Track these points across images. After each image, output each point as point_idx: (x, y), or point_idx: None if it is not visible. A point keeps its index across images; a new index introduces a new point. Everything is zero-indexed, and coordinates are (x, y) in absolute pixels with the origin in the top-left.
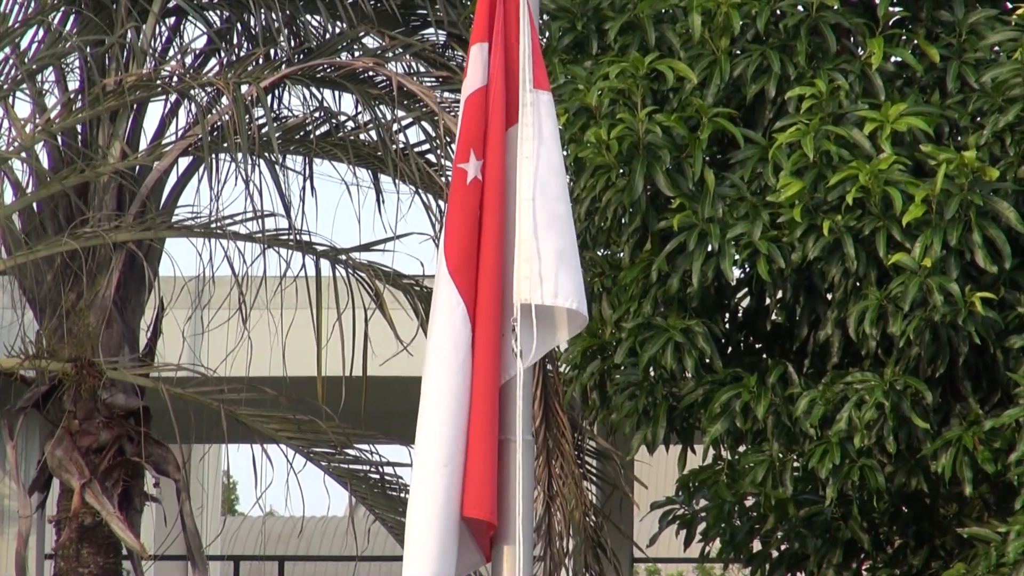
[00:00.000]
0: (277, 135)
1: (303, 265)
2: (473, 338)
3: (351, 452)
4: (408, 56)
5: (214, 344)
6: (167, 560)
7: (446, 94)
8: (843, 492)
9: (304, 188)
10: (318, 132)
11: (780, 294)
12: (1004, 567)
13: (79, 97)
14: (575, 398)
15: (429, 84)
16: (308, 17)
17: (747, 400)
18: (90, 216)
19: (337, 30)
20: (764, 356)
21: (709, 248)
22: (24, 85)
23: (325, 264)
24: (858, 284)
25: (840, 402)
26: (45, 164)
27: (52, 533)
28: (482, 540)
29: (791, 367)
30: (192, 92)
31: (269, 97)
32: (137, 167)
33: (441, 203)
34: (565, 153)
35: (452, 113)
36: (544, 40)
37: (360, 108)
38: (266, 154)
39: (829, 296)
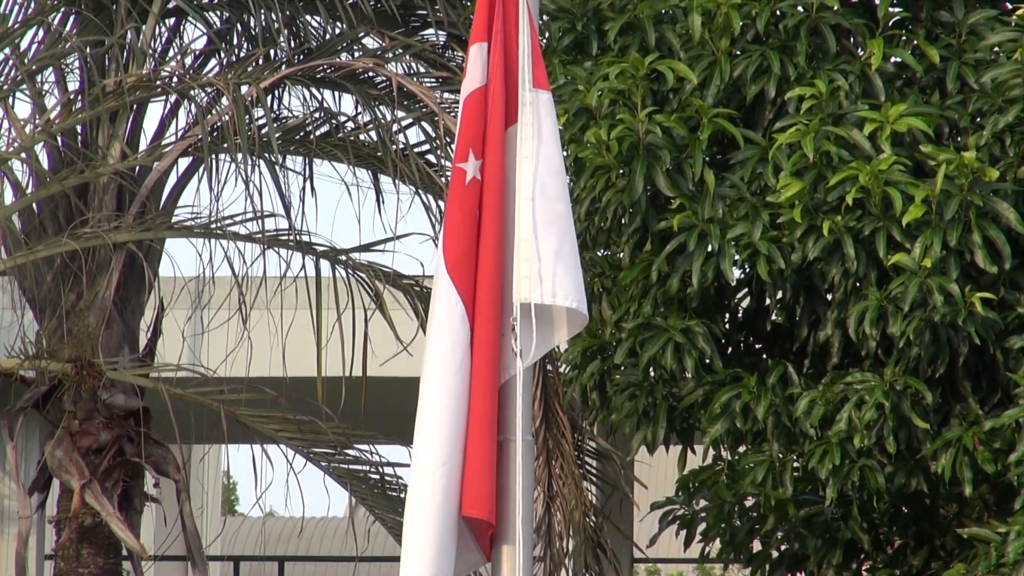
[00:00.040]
0: (277, 135)
1: (303, 265)
2: (472, 337)
3: (351, 452)
4: (408, 57)
5: (214, 344)
6: (167, 560)
7: (446, 95)
8: (843, 492)
9: (304, 188)
10: (318, 132)
11: (780, 294)
12: (1004, 567)
13: (79, 98)
14: (575, 398)
15: (429, 85)
16: (308, 18)
17: (747, 400)
18: (90, 216)
19: (337, 31)
20: (764, 356)
21: (709, 248)
22: (24, 86)
23: (325, 264)
24: (858, 284)
25: (840, 402)
26: (45, 165)
27: (52, 533)
28: (482, 540)
29: (791, 367)
30: (192, 93)
31: (269, 98)
32: (137, 167)
33: (441, 204)
34: (565, 153)
35: (452, 114)
36: (544, 41)
37: (360, 109)
38: (266, 154)
39: (829, 296)
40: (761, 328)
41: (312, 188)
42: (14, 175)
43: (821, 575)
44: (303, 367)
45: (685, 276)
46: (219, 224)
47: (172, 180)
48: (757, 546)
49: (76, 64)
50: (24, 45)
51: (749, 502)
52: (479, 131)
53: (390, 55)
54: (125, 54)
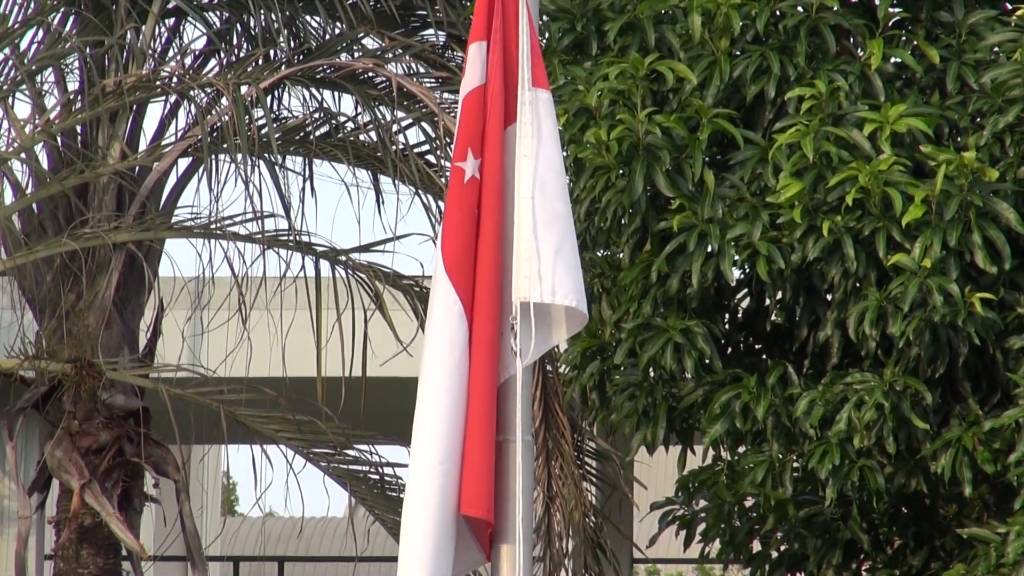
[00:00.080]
0: (277, 136)
1: (303, 266)
2: (470, 337)
3: (351, 453)
4: (408, 57)
5: (214, 345)
6: (167, 561)
7: (446, 95)
8: (843, 493)
9: (304, 189)
10: (318, 133)
11: (780, 295)
12: (1004, 568)
13: (79, 98)
14: (575, 399)
15: (429, 85)
16: (308, 18)
17: (747, 401)
18: (90, 217)
19: (337, 31)
20: (764, 357)
21: (709, 249)
22: (24, 86)
23: (325, 265)
24: (858, 285)
25: (840, 403)
26: (45, 165)
27: (52, 534)
28: (482, 539)
29: (791, 368)
30: (192, 93)
31: (269, 98)
32: (137, 168)
33: (441, 204)
34: (565, 154)
35: (452, 114)
36: (544, 41)
37: (360, 109)
38: (266, 155)
39: (829, 297)
40: (761, 328)
41: (312, 188)
42: (14, 175)
43: (821, 575)
44: (303, 367)
45: (685, 276)
46: (219, 224)
47: (172, 180)
48: (757, 546)
49: (76, 64)
50: (24, 45)
51: (749, 502)
52: (478, 130)
53: (390, 55)
54: (125, 54)
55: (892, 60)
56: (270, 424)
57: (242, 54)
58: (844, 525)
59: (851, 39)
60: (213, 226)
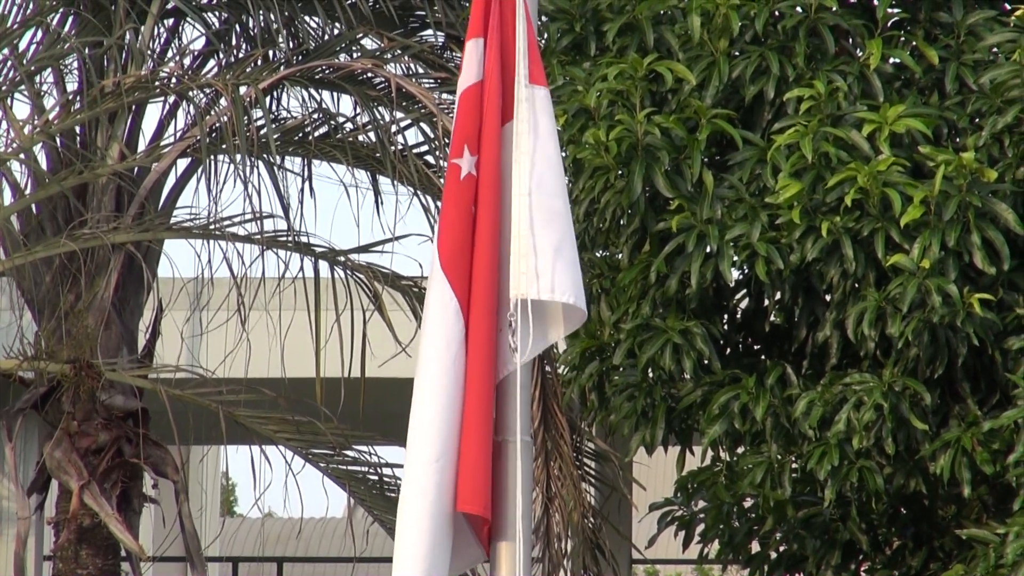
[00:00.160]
0: (276, 136)
1: (302, 266)
2: (466, 334)
3: (350, 453)
4: (407, 57)
5: (213, 345)
6: (166, 561)
7: (445, 95)
8: (842, 493)
9: (303, 189)
10: (317, 133)
11: (779, 295)
12: (1003, 568)
13: (78, 98)
14: (573, 399)
15: (428, 85)
16: (306, 19)
17: (746, 401)
18: (89, 217)
19: (336, 31)
20: (763, 357)
21: (708, 249)
22: (23, 86)
23: (324, 265)
24: (857, 285)
25: (839, 403)
26: (44, 165)
27: (51, 534)
28: (481, 536)
29: (790, 368)
30: (191, 93)
31: (268, 98)
32: (136, 168)
33: (440, 204)
34: (564, 154)
35: (451, 115)
36: (543, 41)
37: (359, 109)
38: (264, 155)
39: (828, 297)
40: (760, 329)
41: (311, 189)
42: (13, 176)
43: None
44: (302, 368)
45: (684, 277)
46: (218, 225)
47: (171, 181)
48: (756, 547)
49: (75, 65)
50: (23, 46)
51: (748, 503)
52: (475, 127)
53: (389, 56)
54: (124, 55)
55: (891, 61)
56: (269, 425)
57: (241, 55)
58: (843, 526)
59: (850, 40)
60: (212, 227)
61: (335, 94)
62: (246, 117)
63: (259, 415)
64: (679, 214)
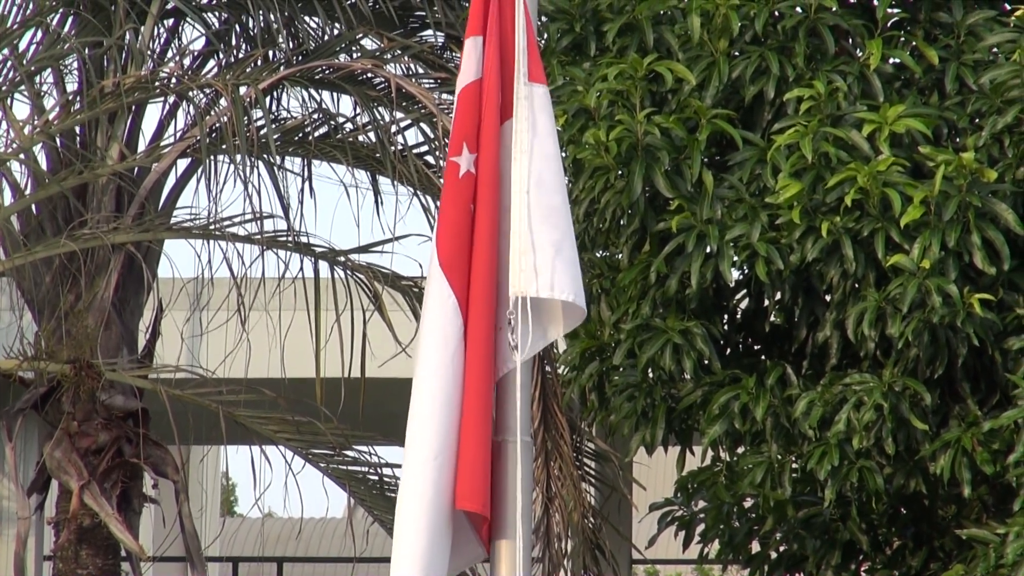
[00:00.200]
0: (275, 137)
1: (301, 267)
2: (465, 331)
3: (350, 453)
4: (407, 58)
5: (213, 345)
6: (166, 561)
7: (445, 95)
8: (842, 493)
9: (303, 190)
10: (317, 134)
11: (779, 295)
12: (1003, 568)
13: (77, 98)
14: (574, 399)
15: (428, 86)
16: (306, 19)
17: (746, 401)
18: (89, 218)
19: (335, 32)
20: (763, 357)
21: (708, 249)
22: (23, 86)
23: (324, 266)
24: (857, 285)
25: (839, 403)
26: (44, 166)
27: (51, 534)
28: (482, 533)
29: (790, 368)
30: (190, 94)
31: (268, 99)
32: (136, 168)
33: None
34: (564, 154)
35: (450, 115)
36: (543, 42)
37: (359, 110)
38: (264, 156)
39: (828, 297)
40: (760, 329)
41: (311, 189)
42: (13, 176)
43: None
44: (302, 368)
45: (684, 277)
46: (218, 225)
47: (171, 181)
48: (756, 547)
49: (75, 65)
50: (23, 46)
51: (748, 503)
52: (473, 125)
53: (389, 56)
54: (124, 55)
55: (891, 61)
56: (269, 425)
57: (241, 55)
58: (843, 526)
59: (850, 40)
60: (212, 227)
61: (335, 94)
62: (246, 117)
63: (259, 415)
64: (679, 214)
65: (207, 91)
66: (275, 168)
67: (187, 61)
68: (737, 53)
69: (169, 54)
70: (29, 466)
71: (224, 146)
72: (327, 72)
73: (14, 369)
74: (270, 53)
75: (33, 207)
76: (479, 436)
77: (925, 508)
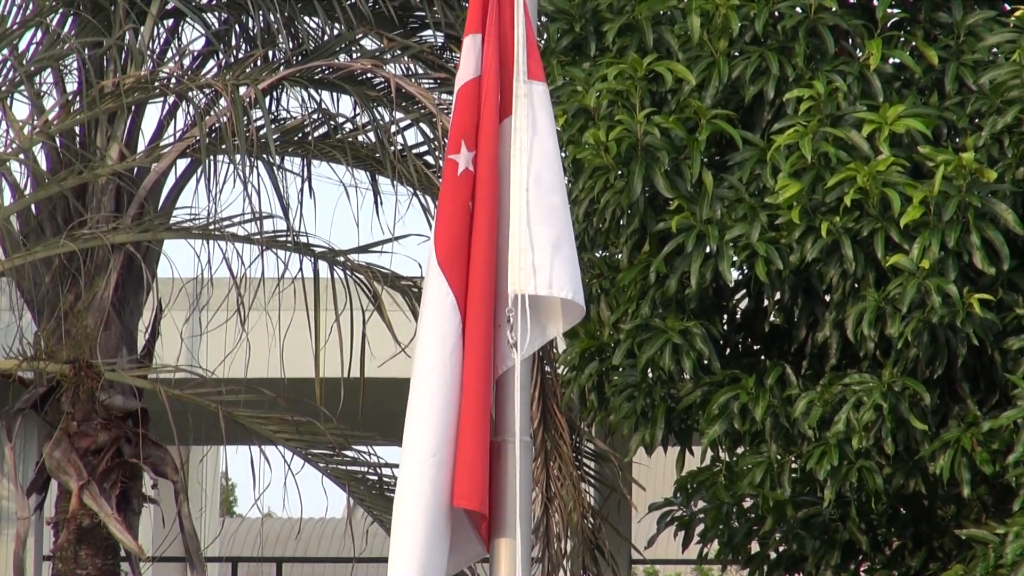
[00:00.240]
0: (275, 137)
1: (301, 267)
2: (463, 329)
3: (349, 454)
4: (406, 58)
5: (212, 346)
6: (165, 562)
7: (444, 96)
8: (841, 493)
9: (302, 190)
10: (316, 134)
11: (778, 295)
12: (1002, 568)
13: (77, 99)
14: (573, 399)
15: (427, 86)
16: (306, 19)
17: (745, 402)
18: (88, 218)
19: (335, 32)
20: (762, 358)
21: (707, 249)
22: (22, 87)
23: (323, 266)
24: (856, 285)
25: (838, 403)
26: (43, 166)
27: (50, 535)
28: (481, 531)
29: (789, 369)
30: (190, 94)
31: (267, 99)
32: (135, 169)
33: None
34: (563, 154)
35: (450, 114)
36: (542, 42)
37: (358, 110)
38: (264, 156)
39: (827, 297)
40: (759, 329)
41: (310, 189)
42: (12, 176)
43: None
44: (301, 368)
45: (683, 277)
46: (217, 225)
47: (170, 181)
48: (755, 547)
49: (74, 65)
50: (22, 46)
51: (747, 503)
52: (472, 123)
53: (388, 56)
54: (123, 55)
55: (891, 61)
56: (269, 425)
57: (240, 55)
58: (842, 526)
59: (850, 40)
60: (211, 227)
61: (335, 94)
62: (245, 117)
63: (259, 415)
64: (679, 214)
65: (207, 91)
66: (275, 168)
67: (187, 61)
68: (737, 53)
69: (169, 54)
70: (28, 466)
71: (224, 146)
72: (327, 72)
73: (14, 369)
74: (270, 53)
75: (33, 207)
76: (477, 434)
77: (924, 508)
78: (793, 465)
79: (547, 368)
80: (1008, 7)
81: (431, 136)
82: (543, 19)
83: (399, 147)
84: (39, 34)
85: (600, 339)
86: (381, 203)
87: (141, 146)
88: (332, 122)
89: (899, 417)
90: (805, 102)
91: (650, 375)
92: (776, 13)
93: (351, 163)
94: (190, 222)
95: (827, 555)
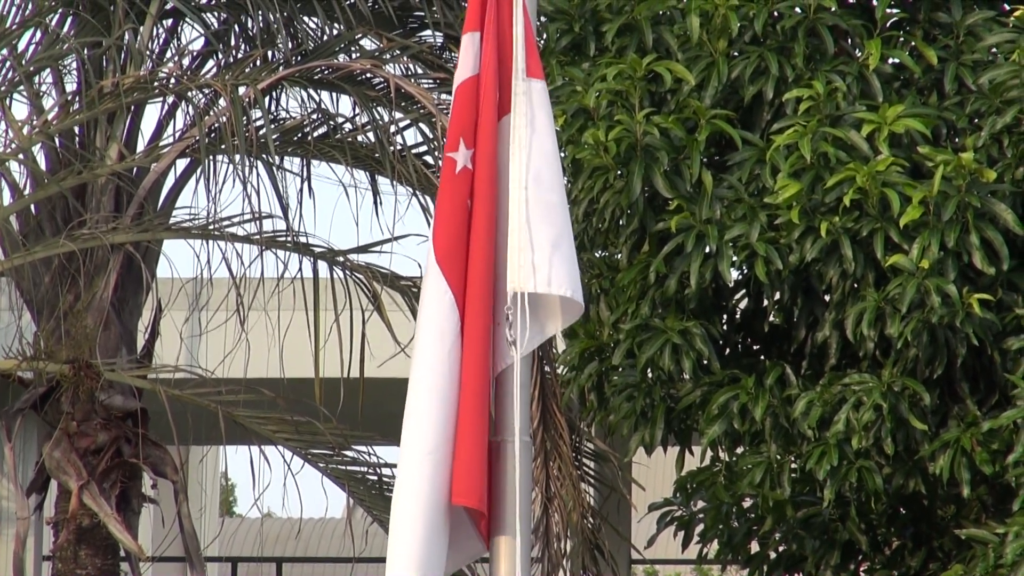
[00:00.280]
0: (275, 137)
1: (300, 267)
2: (462, 327)
3: (349, 454)
4: (406, 58)
5: (212, 346)
6: (165, 562)
7: (444, 96)
8: (841, 493)
9: (302, 190)
10: (316, 134)
11: (778, 295)
12: (1002, 568)
13: (76, 99)
14: (573, 399)
15: (427, 86)
16: (306, 19)
17: (745, 402)
18: (88, 218)
19: (335, 32)
20: (762, 357)
21: (707, 249)
22: (22, 87)
23: (323, 266)
24: (856, 285)
25: (838, 403)
26: (43, 166)
27: (50, 535)
28: (481, 529)
29: (789, 369)
30: (189, 94)
31: (267, 99)
32: (135, 169)
33: None
34: (563, 154)
35: (449, 114)
36: (542, 42)
37: (358, 110)
38: (263, 156)
39: (827, 297)
40: (759, 329)
41: (310, 189)
42: (12, 176)
43: None
44: (301, 368)
45: (683, 277)
46: (217, 225)
47: (170, 181)
48: (755, 547)
49: (74, 65)
50: (22, 46)
51: (747, 503)
52: (471, 120)
53: (388, 56)
54: (123, 55)
55: (890, 61)
56: (268, 425)
57: (240, 55)
58: (842, 526)
59: (849, 40)
60: (211, 227)
61: (334, 94)
62: (245, 117)
63: (258, 415)
64: (678, 214)
65: (206, 91)
66: (274, 168)
67: (186, 61)
68: (736, 53)
69: (168, 54)
70: (28, 466)
71: (223, 146)
72: (326, 72)
73: (13, 369)
74: (269, 53)
75: (32, 207)
76: (476, 431)
77: (924, 508)
78: (793, 465)
79: (547, 368)
80: (1008, 7)
81: (430, 136)
82: (542, 19)
83: (398, 147)
84: (38, 34)
85: (600, 339)
86: (380, 203)
87: (140, 146)
88: (331, 122)
89: (899, 417)
90: (804, 102)
91: (650, 375)
92: (775, 13)
93: (350, 163)
94: (189, 222)
95: (827, 555)
